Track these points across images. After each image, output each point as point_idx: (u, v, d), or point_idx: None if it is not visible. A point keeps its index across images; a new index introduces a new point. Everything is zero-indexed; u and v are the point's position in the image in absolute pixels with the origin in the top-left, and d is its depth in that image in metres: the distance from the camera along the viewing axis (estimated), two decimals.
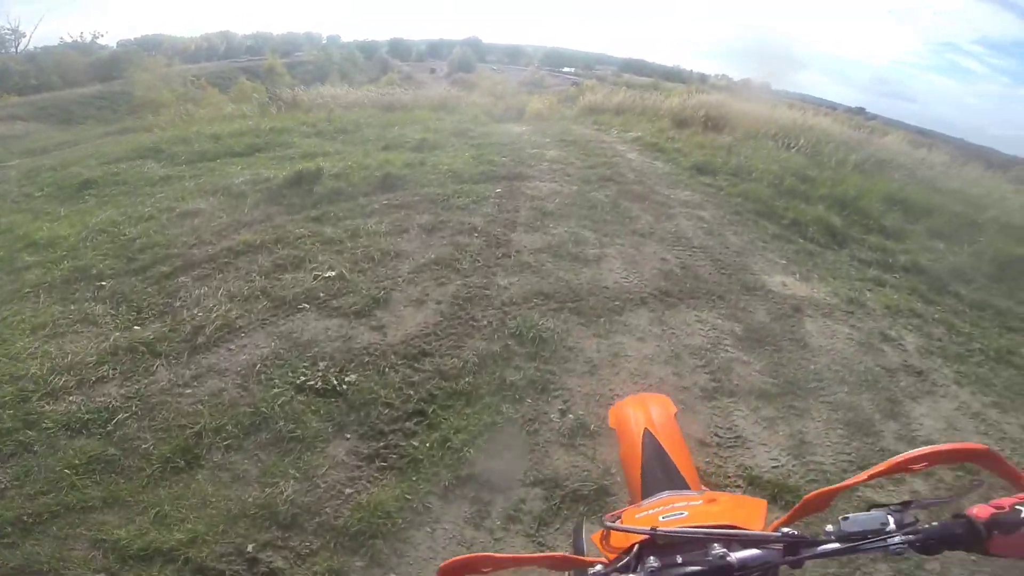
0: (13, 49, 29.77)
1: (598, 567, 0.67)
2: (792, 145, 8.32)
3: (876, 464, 0.68)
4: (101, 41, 33.92)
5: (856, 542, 0.61)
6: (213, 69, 31.49)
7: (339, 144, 6.87)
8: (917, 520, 0.62)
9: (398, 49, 38.99)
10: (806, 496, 0.70)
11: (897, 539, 0.60)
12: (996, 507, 0.60)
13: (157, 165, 6.25)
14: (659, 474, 1.03)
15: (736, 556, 0.62)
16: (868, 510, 0.64)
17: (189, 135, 7.49)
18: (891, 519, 0.62)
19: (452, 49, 36.57)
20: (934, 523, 0.62)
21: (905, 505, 0.64)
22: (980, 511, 0.60)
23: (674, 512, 0.76)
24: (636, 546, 0.69)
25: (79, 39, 32.88)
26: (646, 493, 0.98)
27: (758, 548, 0.64)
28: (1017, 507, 0.58)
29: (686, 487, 0.99)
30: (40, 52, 29.88)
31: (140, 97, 19.98)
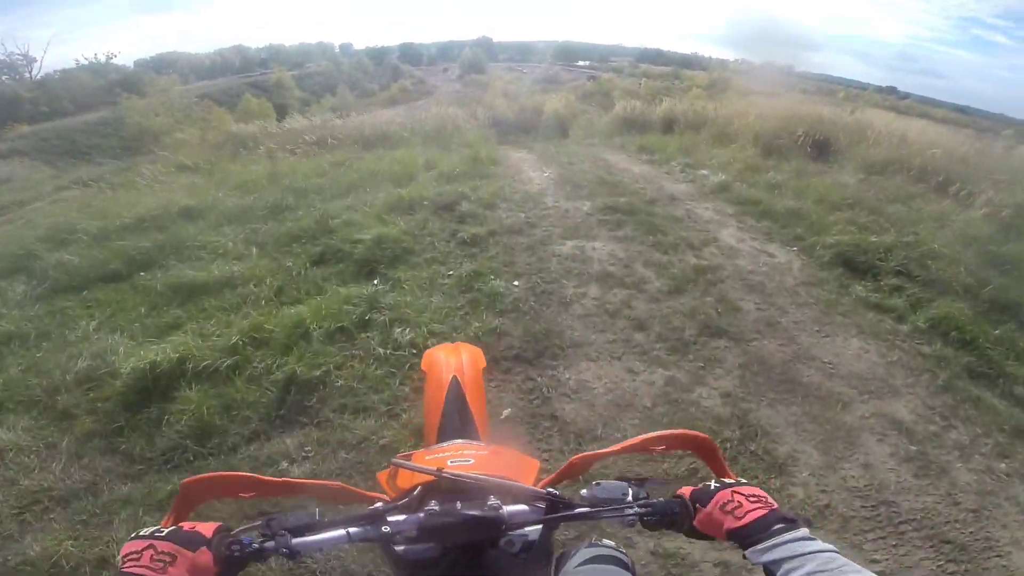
0: (27, 75, 27.58)
1: (379, 504, 0.64)
2: (960, 190, 5.01)
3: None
4: (116, 61, 31.53)
5: (600, 508, 0.64)
6: (222, 86, 28.74)
7: (253, 251, 3.91)
8: (649, 496, 0.66)
9: (408, 54, 35.64)
10: (572, 458, 0.72)
11: (632, 511, 0.63)
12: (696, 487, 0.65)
13: (11, 296, 3.64)
14: (456, 421, 0.98)
15: (507, 510, 0.62)
16: (617, 479, 0.67)
17: (84, 224, 4.69)
18: (631, 491, 0.66)
19: (463, 50, 33.04)
20: (660, 499, 0.65)
21: (643, 481, 0.68)
22: (686, 490, 0.65)
23: (462, 459, 0.74)
24: (419, 487, 0.66)
25: (94, 60, 30.57)
26: (441, 437, 0.93)
27: (527, 504, 0.64)
28: (707, 484, 0.64)
29: (478, 438, 0.94)
30: (55, 76, 27.66)
31: (134, 125, 17.45)
